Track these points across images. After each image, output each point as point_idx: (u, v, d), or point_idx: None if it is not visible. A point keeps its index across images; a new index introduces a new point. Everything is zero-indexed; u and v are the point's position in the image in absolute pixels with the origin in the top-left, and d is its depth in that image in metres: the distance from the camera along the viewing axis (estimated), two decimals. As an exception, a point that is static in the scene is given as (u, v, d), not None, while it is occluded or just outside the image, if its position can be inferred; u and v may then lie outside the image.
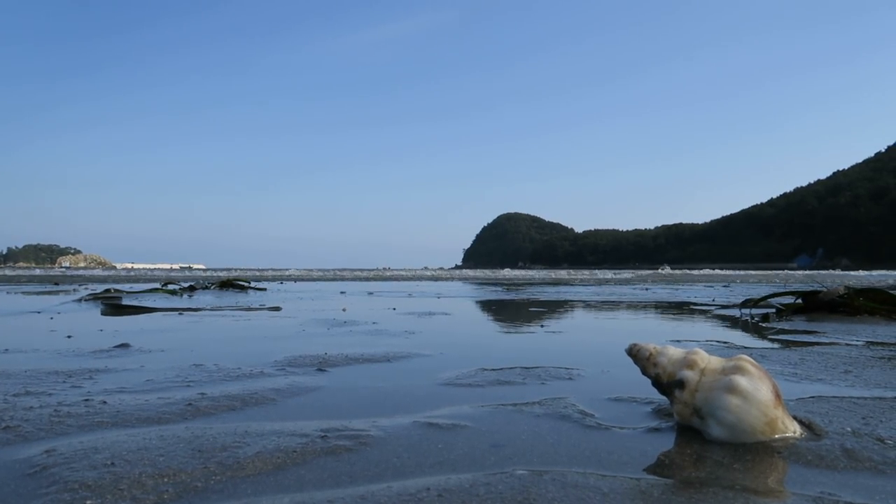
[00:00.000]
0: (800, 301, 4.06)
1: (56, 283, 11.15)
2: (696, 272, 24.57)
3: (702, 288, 10.40)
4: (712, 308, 4.99)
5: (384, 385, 1.68)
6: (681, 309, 4.91)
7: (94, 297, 5.49)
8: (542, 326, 3.41)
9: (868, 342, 2.62)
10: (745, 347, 2.47)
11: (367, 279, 16.68)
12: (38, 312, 4.25)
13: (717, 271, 23.77)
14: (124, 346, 2.42)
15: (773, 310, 4.12)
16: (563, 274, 23.72)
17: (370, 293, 7.80)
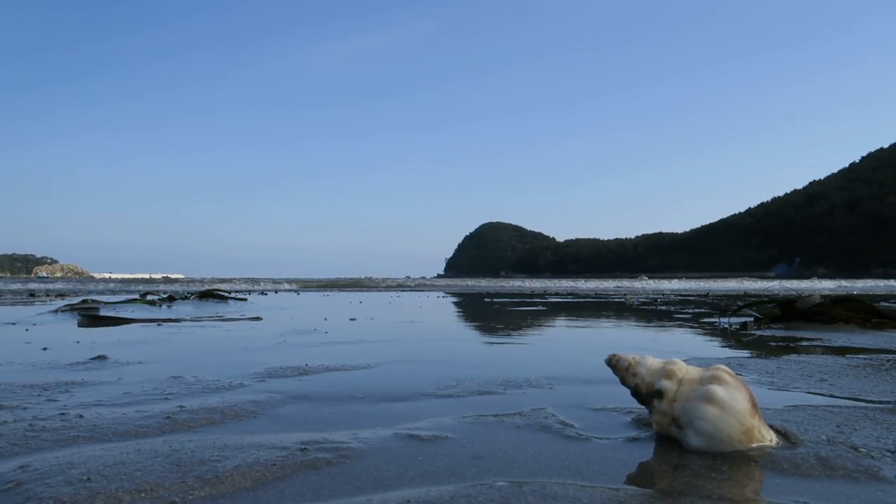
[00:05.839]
0: (777, 310, 4.11)
1: (32, 294, 10.97)
2: (674, 282, 24.78)
3: (680, 297, 10.50)
4: (691, 317, 5.04)
5: (365, 396, 1.67)
6: (660, 319, 4.95)
7: (71, 308, 5.41)
8: (523, 336, 3.42)
9: (844, 350, 2.66)
10: (724, 357, 2.50)
11: (349, 289, 16.62)
12: (13, 324, 4.18)
13: (694, 283, 23.96)
14: (101, 358, 2.39)
15: (752, 318, 4.17)
16: (543, 284, 23.82)
17: (351, 303, 7.77)
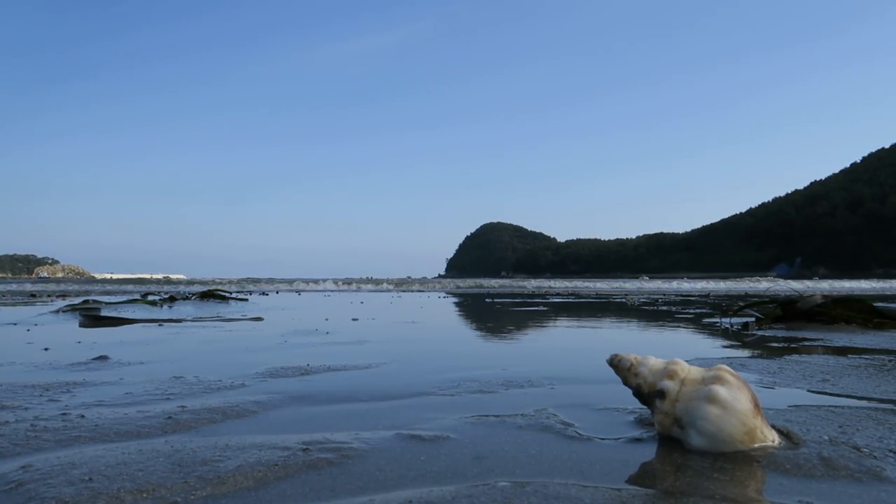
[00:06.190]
0: (778, 310, 4.11)
1: (33, 294, 10.97)
2: (675, 282, 24.76)
3: (681, 298, 10.49)
4: (692, 318, 5.04)
5: (366, 396, 1.67)
6: (661, 319, 4.95)
7: (72, 309, 5.41)
8: (524, 336, 3.42)
9: (845, 350, 2.66)
10: (726, 357, 2.49)
11: (351, 289, 16.62)
12: (14, 324, 4.19)
13: (695, 283, 23.90)
14: (103, 358, 2.39)
15: (753, 319, 4.16)
16: (544, 284, 23.82)
17: (353, 303, 7.77)
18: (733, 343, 3.06)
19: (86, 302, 6.49)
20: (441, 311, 6.40)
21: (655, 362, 1.26)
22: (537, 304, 7.44)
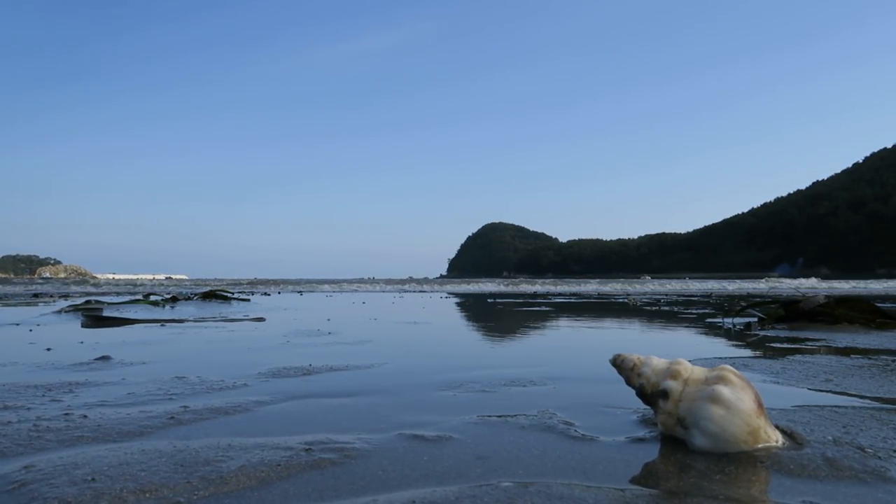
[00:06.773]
0: (781, 310, 4.10)
1: (35, 294, 10.98)
2: (677, 283, 24.71)
3: (683, 298, 10.48)
4: (695, 318, 5.03)
5: (369, 397, 1.67)
6: (664, 319, 4.94)
7: (75, 309, 5.42)
8: (526, 336, 3.42)
9: (848, 350, 2.65)
10: (729, 357, 2.49)
11: (352, 290, 16.62)
12: (17, 324, 4.19)
13: (697, 283, 23.84)
14: (105, 358, 2.39)
15: (756, 319, 4.16)
16: (545, 286, 23.81)
17: (354, 303, 7.78)
18: (736, 343, 3.06)
19: (88, 302, 6.50)
20: (443, 311, 6.40)
21: (658, 362, 1.25)
22: (539, 305, 7.44)
